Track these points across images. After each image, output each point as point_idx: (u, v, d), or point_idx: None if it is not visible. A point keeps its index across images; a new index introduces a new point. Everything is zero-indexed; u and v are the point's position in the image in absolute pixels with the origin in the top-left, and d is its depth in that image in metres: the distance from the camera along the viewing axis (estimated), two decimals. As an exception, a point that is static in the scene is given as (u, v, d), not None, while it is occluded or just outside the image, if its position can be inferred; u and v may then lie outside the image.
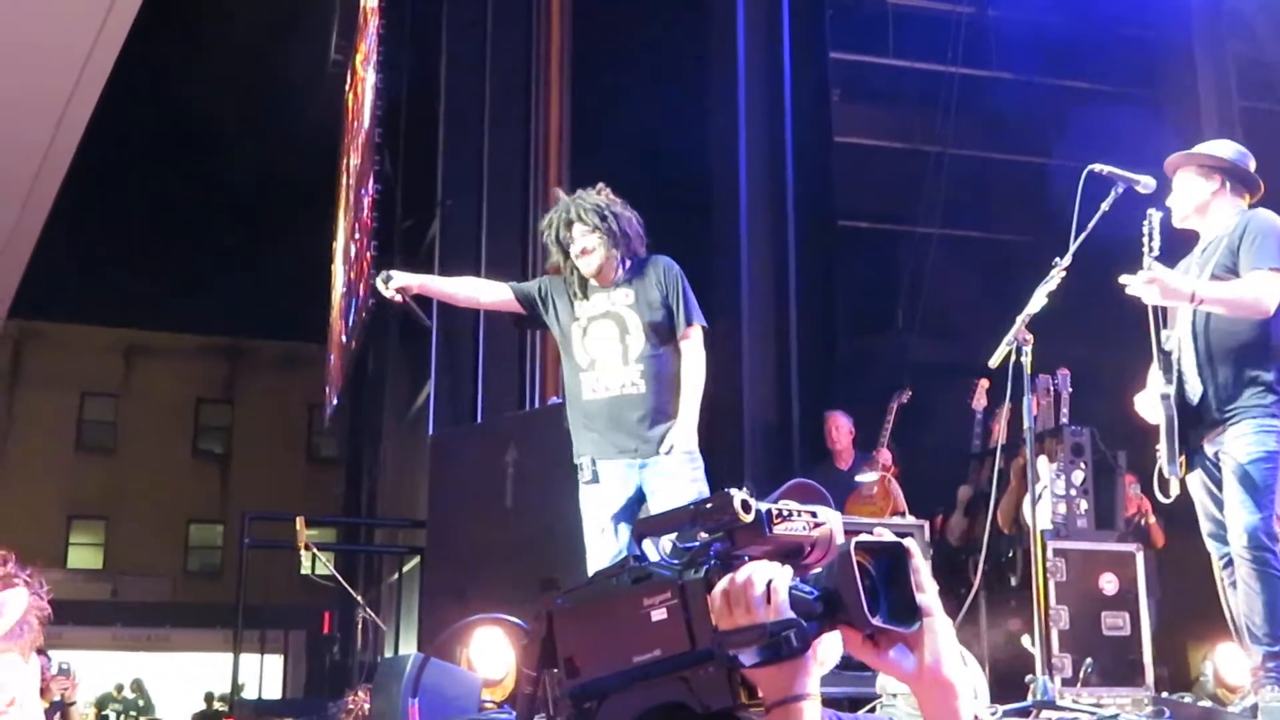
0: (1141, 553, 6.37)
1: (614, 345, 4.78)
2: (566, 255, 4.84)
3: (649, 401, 4.71)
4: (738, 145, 9.36)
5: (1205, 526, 4.55)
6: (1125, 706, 5.17)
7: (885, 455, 7.49)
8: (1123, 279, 4.32)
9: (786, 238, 9.21)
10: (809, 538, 1.40)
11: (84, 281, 23.39)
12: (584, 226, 4.76)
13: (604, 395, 4.75)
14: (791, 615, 1.30)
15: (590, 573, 2.50)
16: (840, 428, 7.82)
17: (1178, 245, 4.77)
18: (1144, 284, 4.29)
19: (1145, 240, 4.33)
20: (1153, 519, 7.95)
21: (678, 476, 4.65)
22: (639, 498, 4.75)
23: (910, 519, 5.96)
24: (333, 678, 13.48)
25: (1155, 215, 4.36)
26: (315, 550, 6.64)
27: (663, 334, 4.78)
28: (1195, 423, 4.46)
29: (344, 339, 15.91)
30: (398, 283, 4.86)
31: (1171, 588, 8.10)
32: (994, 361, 4.53)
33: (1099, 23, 10.27)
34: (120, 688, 20.57)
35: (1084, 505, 6.71)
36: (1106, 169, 4.56)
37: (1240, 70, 10.20)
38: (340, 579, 7.01)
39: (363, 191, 14.23)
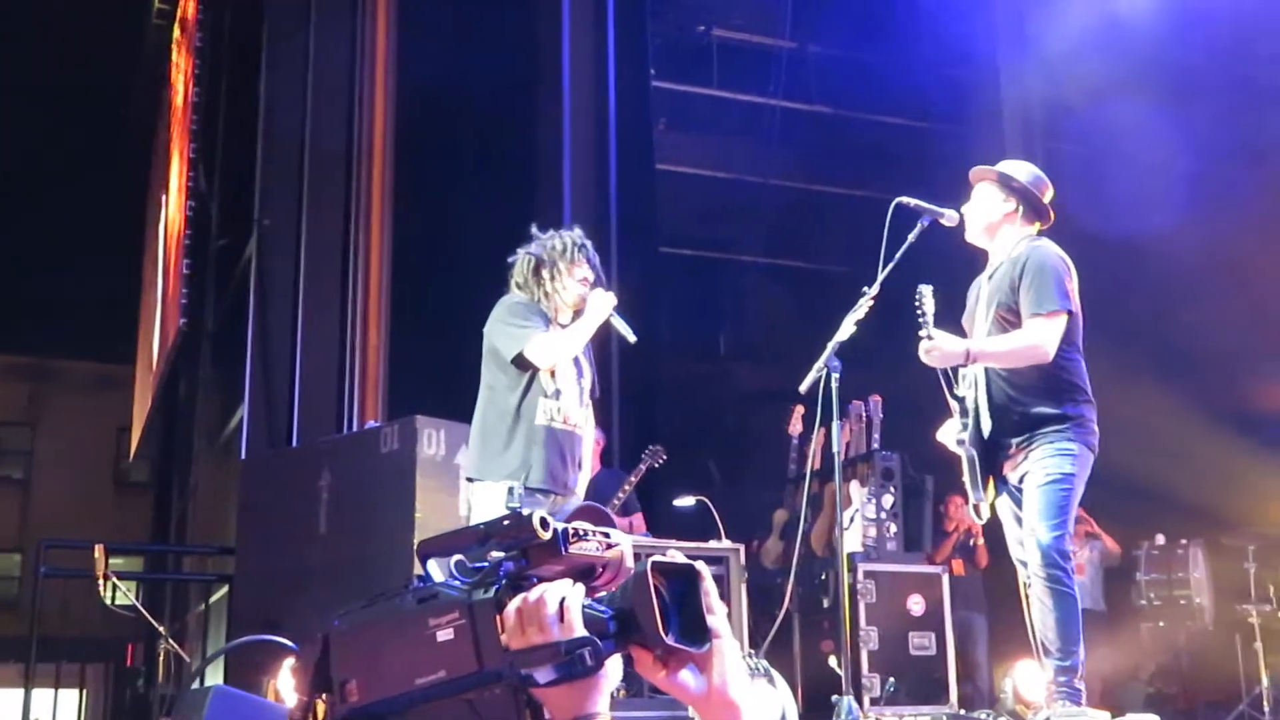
0: (947, 575, 6.58)
1: (574, 384, 4.86)
2: (554, 275, 4.85)
3: (585, 446, 4.89)
4: (562, 168, 9.38)
5: (1014, 551, 4.70)
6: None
7: (637, 522, 7.27)
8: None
9: (610, 262, 9.25)
10: (601, 558, 1.39)
11: None
12: (590, 265, 4.91)
13: (561, 426, 4.76)
14: (585, 634, 1.29)
15: None
16: None
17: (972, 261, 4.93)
18: (924, 353, 4.47)
19: (919, 315, 4.48)
20: (981, 540, 8.17)
21: None
22: None
23: (727, 543, 6.01)
24: (134, 712, 12.95)
25: (926, 290, 4.50)
26: (115, 579, 6.36)
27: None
28: (995, 454, 4.62)
29: (155, 360, 15.37)
30: None
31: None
32: (804, 387, 4.63)
33: (913, 61, 10.63)
34: (-97, 728, 19.35)
35: (894, 528, 6.91)
36: (913, 202, 4.71)
37: (1045, 111, 10.66)
38: (141, 609, 6.73)
39: (171, 204, 13.80)
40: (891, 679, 5.78)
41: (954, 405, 4.64)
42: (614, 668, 1.36)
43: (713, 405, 11.19)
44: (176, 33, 15.65)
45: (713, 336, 12.15)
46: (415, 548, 1.37)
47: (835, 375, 4.57)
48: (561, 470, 4.72)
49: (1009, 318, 4.59)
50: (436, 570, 1.36)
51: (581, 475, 4.90)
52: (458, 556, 1.37)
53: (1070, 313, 4.56)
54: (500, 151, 9.41)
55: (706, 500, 6.74)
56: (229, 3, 12.64)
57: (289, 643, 3.19)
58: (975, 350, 4.52)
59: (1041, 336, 4.49)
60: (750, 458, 10.17)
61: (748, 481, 9.52)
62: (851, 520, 6.77)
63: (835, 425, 4.62)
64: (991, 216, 4.74)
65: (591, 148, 9.60)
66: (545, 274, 4.84)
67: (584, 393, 4.88)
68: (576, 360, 4.88)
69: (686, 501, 7.09)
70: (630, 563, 1.40)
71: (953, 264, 4.84)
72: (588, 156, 9.54)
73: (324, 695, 1.33)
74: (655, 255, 10.45)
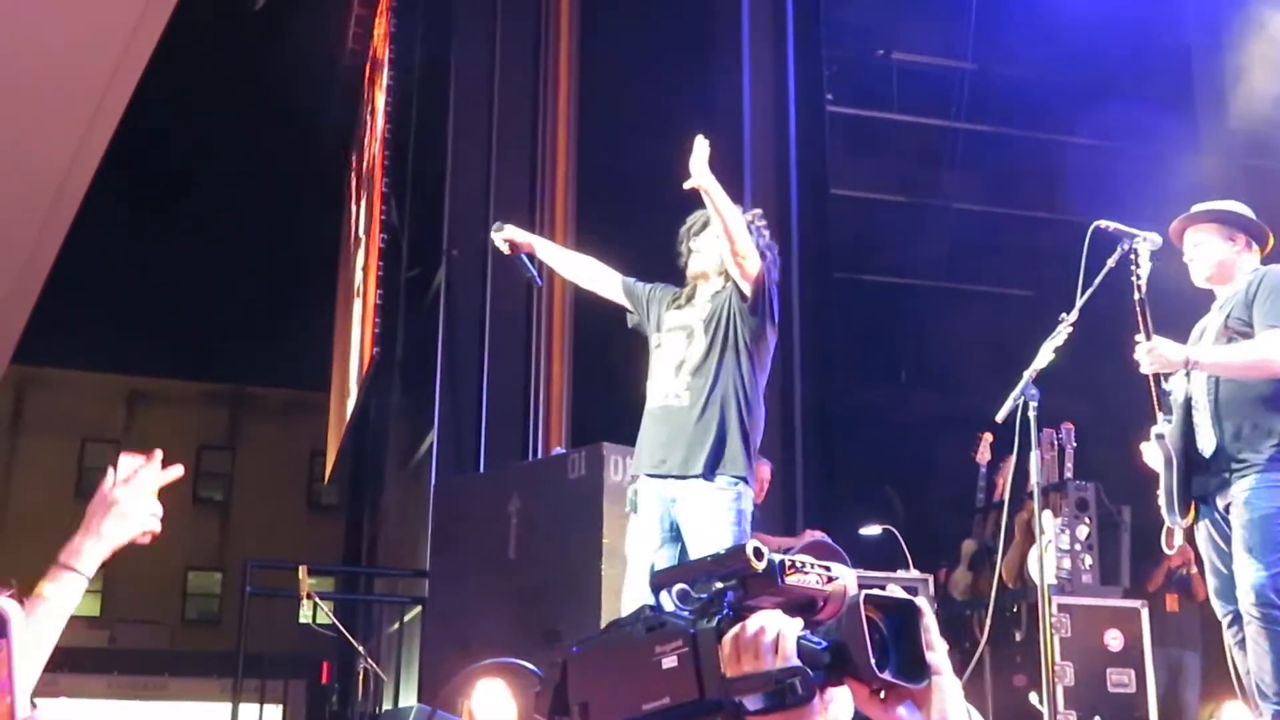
0: (1146, 609, 6.35)
1: (676, 357, 4.54)
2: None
3: (690, 415, 4.39)
4: (742, 197, 9.42)
5: (1211, 583, 4.49)
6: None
7: None
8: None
9: (790, 287, 9.25)
10: (822, 592, 1.41)
11: (86, 327, 23.37)
12: (713, 230, 4.69)
13: (651, 405, 4.54)
14: (798, 663, 1.31)
15: None
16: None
17: (1190, 301, 4.76)
18: (1143, 353, 4.32)
19: (1133, 275, 4.33)
20: (1196, 569, 7.85)
21: (710, 506, 4.33)
22: (673, 529, 4.42)
23: (915, 573, 5.93)
24: (331, 728, 13.38)
25: (1143, 248, 4.36)
26: (317, 599, 6.60)
27: (728, 346, 4.48)
28: (1206, 474, 4.39)
29: (349, 387, 15.92)
30: (508, 234, 4.85)
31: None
32: (1000, 416, 4.53)
33: (1098, 80, 10.36)
34: (115, 736, 20.37)
35: (1088, 560, 6.71)
36: (1112, 225, 4.56)
37: (1244, 127, 10.27)
38: (342, 629, 6.96)
39: (365, 236, 14.28)
40: (1096, 716, 5.60)
41: (1159, 400, 4.43)
42: (843, 707, 1.37)
43: (894, 433, 11.05)
44: (369, 70, 16.27)
45: (893, 363, 12.01)
46: (650, 578, 1.42)
47: (1033, 403, 4.46)
48: (651, 449, 4.46)
49: (1244, 331, 4.38)
50: (667, 600, 1.40)
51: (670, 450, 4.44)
52: (681, 586, 1.41)
53: None
54: (681, 178, 9.48)
55: (893, 529, 6.66)
56: (418, 42, 13.09)
57: (533, 668, 3.27)
58: (1197, 358, 4.33)
59: (1275, 348, 4.26)
60: (932, 486, 10.01)
61: (929, 510, 9.37)
62: (1044, 551, 6.60)
63: (1034, 454, 4.51)
64: (1223, 255, 4.54)
65: (771, 174, 9.61)
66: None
67: (686, 362, 4.51)
68: (688, 329, 4.61)
69: (873, 530, 7.03)
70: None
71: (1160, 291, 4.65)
72: (767, 184, 9.57)
73: (562, 718, 1.39)
74: (831, 281, 10.40)
